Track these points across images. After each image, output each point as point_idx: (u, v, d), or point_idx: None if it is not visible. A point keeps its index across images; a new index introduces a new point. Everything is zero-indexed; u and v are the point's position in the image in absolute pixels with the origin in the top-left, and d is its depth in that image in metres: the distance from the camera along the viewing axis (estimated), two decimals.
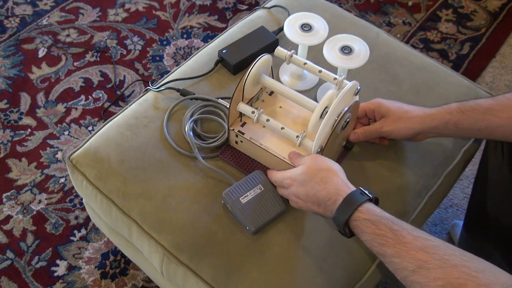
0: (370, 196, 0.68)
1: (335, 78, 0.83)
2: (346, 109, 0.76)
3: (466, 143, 0.96)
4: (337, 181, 0.71)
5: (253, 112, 0.81)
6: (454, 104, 0.79)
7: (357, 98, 0.82)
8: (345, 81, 0.82)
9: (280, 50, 0.86)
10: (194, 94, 0.94)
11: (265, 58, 0.82)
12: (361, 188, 0.69)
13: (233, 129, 0.84)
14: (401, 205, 0.86)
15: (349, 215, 0.67)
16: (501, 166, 0.86)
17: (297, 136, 0.78)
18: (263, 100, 0.88)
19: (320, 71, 0.84)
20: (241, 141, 0.85)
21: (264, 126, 0.85)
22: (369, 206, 0.67)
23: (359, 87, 0.81)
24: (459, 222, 1.26)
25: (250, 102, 0.86)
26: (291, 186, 0.75)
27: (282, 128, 0.80)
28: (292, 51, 0.86)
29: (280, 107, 0.87)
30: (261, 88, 0.88)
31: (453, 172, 0.94)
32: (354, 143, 0.88)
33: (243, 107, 0.82)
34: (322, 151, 0.76)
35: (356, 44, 0.89)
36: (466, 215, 1.10)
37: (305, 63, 0.85)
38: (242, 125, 0.85)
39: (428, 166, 0.91)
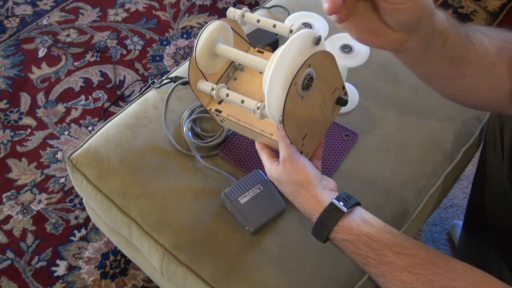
0: (344, 210, 0.62)
1: (291, 31, 0.69)
2: (300, 65, 0.62)
3: (466, 143, 0.96)
4: (306, 198, 0.65)
5: (212, 89, 0.71)
6: (446, 16, 0.59)
7: (320, 48, 0.66)
8: (304, 30, 0.65)
9: (231, 11, 0.73)
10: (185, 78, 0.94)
11: (217, 24, 0.70)
12: (333, 201, 0.63)
13: (210, 109, 0.76)
14: (401, 205, 0.86)
15: (325, 237, 0.63)
16: (499, 166, 0.86)
17: (258, 108, 0.66)
18: (235, 78, 0.77)
19: (274, 26, 0.72)
20: (223, 120, 0.76)
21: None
22: (345, 223, 0.61)
23: (318, 35, 0.65)
24: (459, 222, 1.26)
25: (219, 82, 0.75)
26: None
27: (242, 101, 0.69)
28: (244, 8, 0.73)
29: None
30: (231, 63, 0.77)
31: (453, 172, 0.94)
32: (348, 96, 0.74)
33: (202, 85, 0.72)
34: (283, 119, 0.64)
35: (357, 43, 0.89)
36: (465, 215, 1.10)
37: (258, 20, 0.73)
38: (220, 103, 0.76)
39: (428, 166, 0.91)
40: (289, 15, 0.98)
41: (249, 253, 0.78)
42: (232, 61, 0.76)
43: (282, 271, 0.76)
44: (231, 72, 0.77)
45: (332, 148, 0.89)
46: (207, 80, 0.73)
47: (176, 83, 0.95)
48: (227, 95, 0.71)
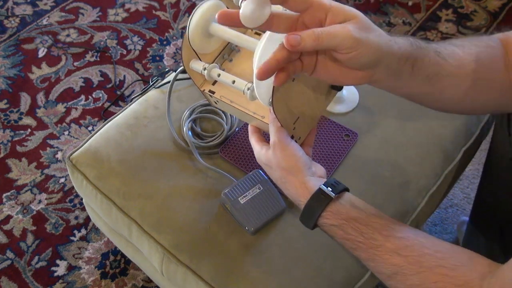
0: (333, 195, 0.61)
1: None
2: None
3: (466, 143, 0.96)
4: (295, 185, 0.64)
5: (204, 69, 0.70)
6: (408, 41, 0.62)
7: None
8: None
9: None
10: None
11: (211, 3, 0.67)
12: (321, 187, 0.62)
13: (204, 90, 0.74)
14: (401, 205, 0.86)
15: (314, 223, 0.62)
16: (507, 142, 0.85)
17: (248, 89, 0.66)
18: (231, 59, 0.75)
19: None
20: (217, 102, 0.75)
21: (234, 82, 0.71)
22: (333, 208, 0.61)
23: None
24: (466, 218, 1.26)
25: (214, 62, 0.74)
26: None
27: (233, 81, 0.68)
28: None
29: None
30: (227, 44, 0.75)
31: (453, 172, 0.94)
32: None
33: (195, 65, 0.71)
34: (272, 101, 0.62)
35: None
36: (473, 207, 1.09)
37: None
38: (214, 83, 0.74)
39: (428, 166, 0.91)
40: None
41: (249, 253, 0.78)
42: (228, 42, 0.74)
43: (282, 271, 0.76)
44: (227, 53, 0.75)
45: (332, 148, 0.89)
46: (200, 60, 0.72)
47: (177, 71, 0.93)
48: (219, 75, 0.70)
